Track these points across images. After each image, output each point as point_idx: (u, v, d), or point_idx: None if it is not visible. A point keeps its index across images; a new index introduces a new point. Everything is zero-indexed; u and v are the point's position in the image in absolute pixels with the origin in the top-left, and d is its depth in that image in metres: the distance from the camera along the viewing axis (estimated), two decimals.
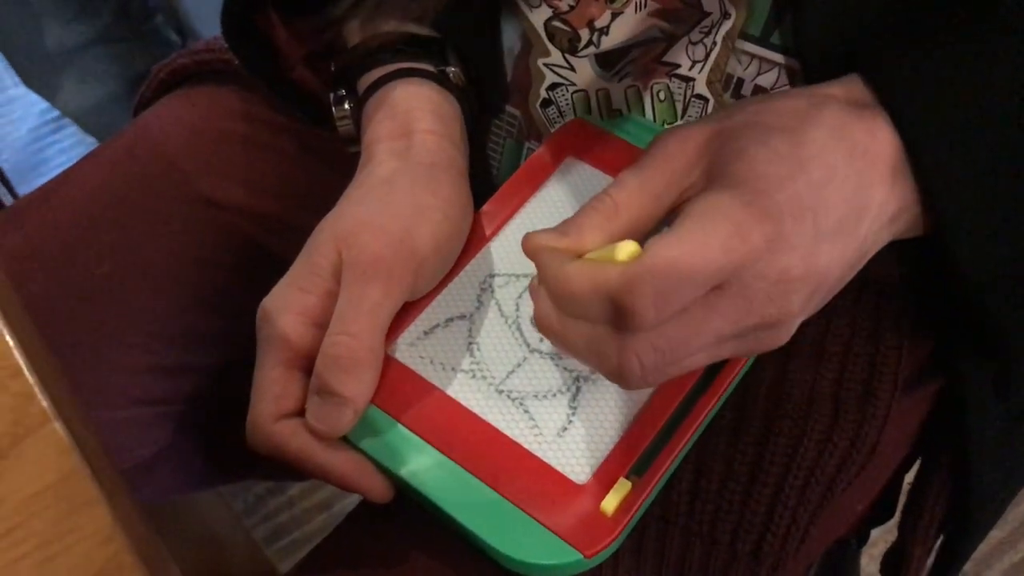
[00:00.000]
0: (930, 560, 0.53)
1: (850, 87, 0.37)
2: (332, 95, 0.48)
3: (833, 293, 0.37)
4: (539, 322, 0.37)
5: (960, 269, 0.37)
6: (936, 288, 0.43)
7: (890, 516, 0.53)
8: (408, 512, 0.41)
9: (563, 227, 0.37)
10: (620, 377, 0.34)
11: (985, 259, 0.37)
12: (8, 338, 0.29)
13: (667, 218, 0.38)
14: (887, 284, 0.44)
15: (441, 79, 0.47)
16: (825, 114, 0.35)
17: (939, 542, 0.52)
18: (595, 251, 0.36)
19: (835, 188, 0.34)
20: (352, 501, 0.40)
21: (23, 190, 1.29)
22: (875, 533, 0.55)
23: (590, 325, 0.34)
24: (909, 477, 0.51)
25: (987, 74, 0.36)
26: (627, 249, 0.34)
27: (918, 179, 0.36)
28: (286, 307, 0.40)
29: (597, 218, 0.36)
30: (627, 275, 0.32)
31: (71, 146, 1.50)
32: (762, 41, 0.43)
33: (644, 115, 0.48)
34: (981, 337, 0.42)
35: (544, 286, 0.36)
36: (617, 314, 0.32)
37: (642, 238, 0.37)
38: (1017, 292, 0.38)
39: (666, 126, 0.47)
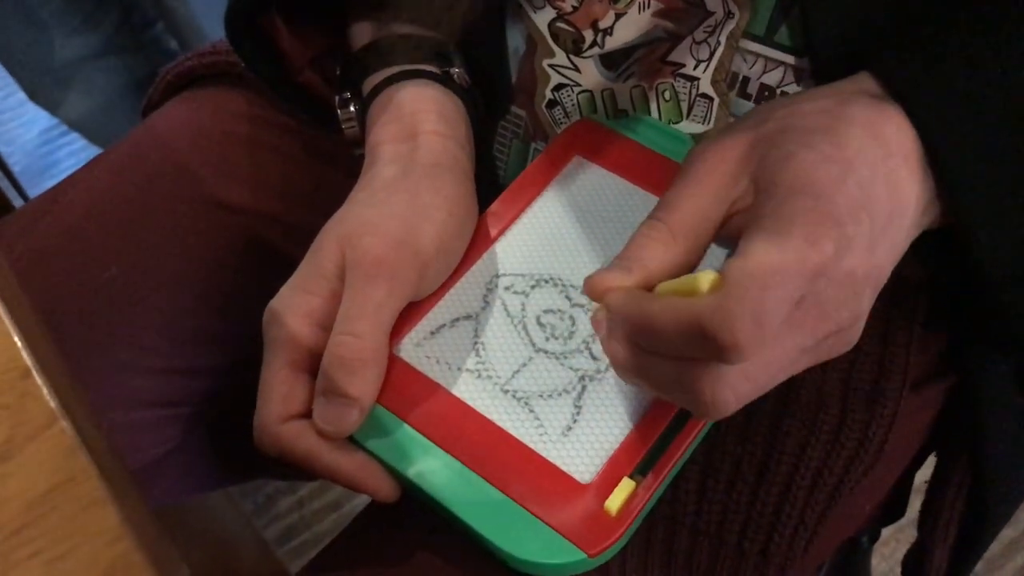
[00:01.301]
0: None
1: (864, 83, 0.37)
2: (337, 98, 0.48)
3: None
4: (614, 363, 0.36)
5: (979, 264, 0.37)
6: (951, 285, 0.42)
7: (901, 514, 0.53)
8: (418, 512, 0.41)
9: (624, 262, 0.36)
10: (712, 411, 0.33)
11: (1004, 254, 0.37)
12: (16, 339, 0.29)
13: (720, 233, 0.37)
14: (897, 283, 0.44)
15: (445, 80, 0.47)
16: (855, 111, 0.35)
17: (956, 535, 0.53)
18: (667, 283, 0.35)
19: (880, 185, 0.34)
20: (362, 501, 0.41)
21: (34, 193, 1.29)
22: (886, 531, 0.54)
23: (675, 362, 0.33)
24: (925, 476, 0.51)
25: (1000, 67, 0.35)
26: (710, 280, 0.32)
27: (935, 173, 0.36)
28: (292, 309, 0.40)
29: (656, 248, 0.36)
30: (722, 309, 0.31)
31: (81, 148, 1.51)
32: (766, 40, 0.43)
33: (650, 115, 0.48)
34: (998, 334, 0.42)
35: (625, 327, 0.34)
36: (713, 349, 0.31)
37: (701, 258, 0.37)
38: None
39: (672, 125, 0.47)
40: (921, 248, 0.39)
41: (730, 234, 0.36)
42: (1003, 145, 0.36)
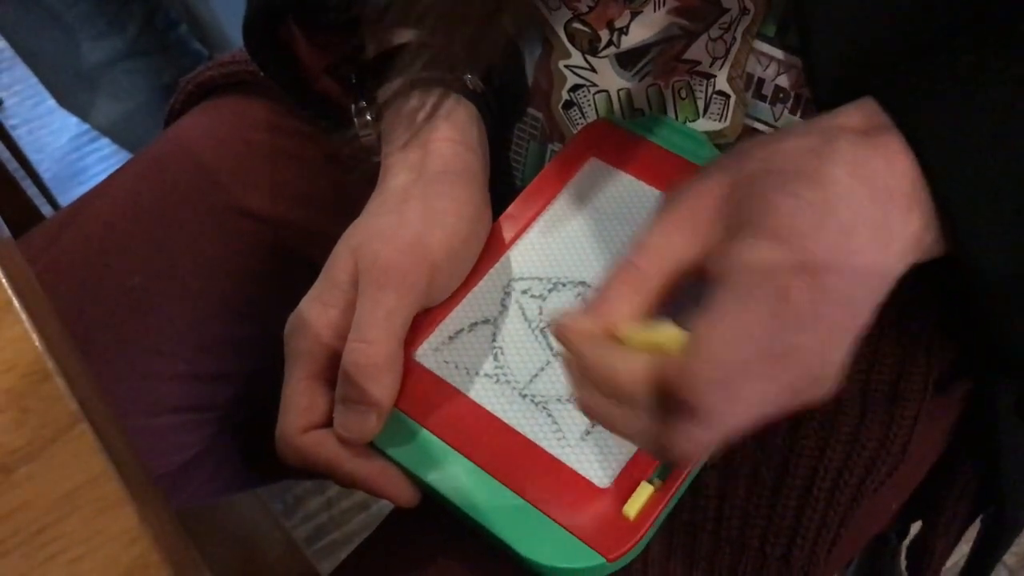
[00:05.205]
0: (964, 551, 0.52)
1: (856, 114, 0.36)
2: (353, 107, 0.49)
3: None
4: (581, 406, 0.35)
5: (982, 294, 0.36)
6: (955, 307, 0.42)
7: (933, 511, 0.52)
8: (443, 515, 0.41)
9: (592, 304, 0.35)
10: (675, 461, 0.33)
11: (1008, 284, 0.36)
12: (37, 343, 0.29)
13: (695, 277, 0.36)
14: (915, 282, 0.44)
15: (458, 86, 0.47)
16: (840, 149, 0.34)
17: (976, 534, 0.52)
18: (631, 331, 0.34)
19: (863, 227, 0.33)
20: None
21: (64, 199, 1.31)
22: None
23: (639, 412, 0.33)
24: None
25: (1004, 95, 0.34)
26: (672, 337, 0.32)
27: (937, 203, 0.35)
28: (310, 322, 0.41)
29: (626, 291, 0.35)
30: (688, 372, 0.30)
31: (110, 154, 1.53)
32: (776, 41, 0.42)
33: (666, 114, 0.47)
34: (999, 360, 0.41)
35: (590, 376, 0.34)
36: (681, 409, 0.31)
37: (671, 301, 0.36)
38: None
39: (688, 124, 0.47)
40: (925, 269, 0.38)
41: (706, 277, 0.35)
42: (1007, 175, 0.34)
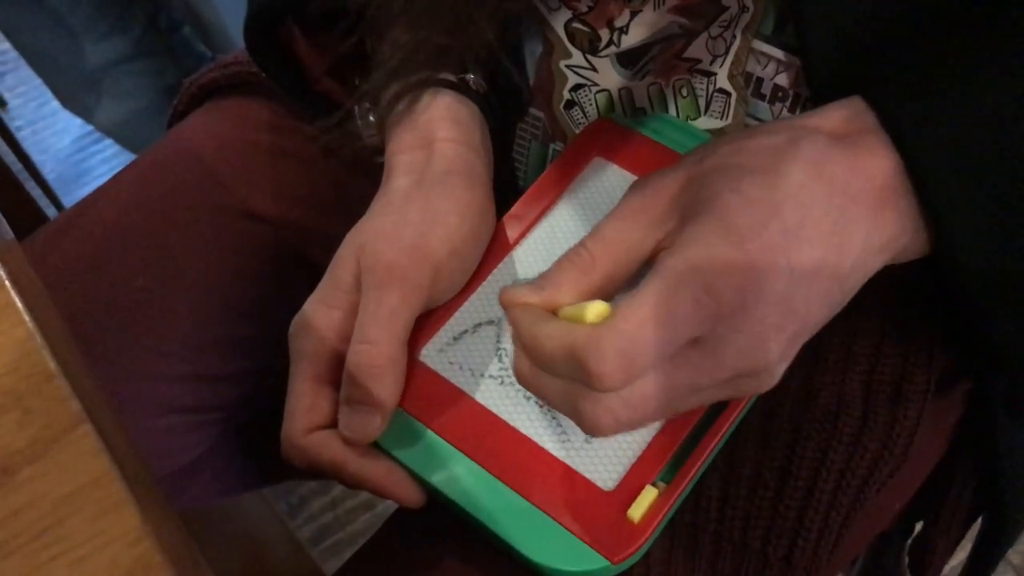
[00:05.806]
0: (967, 549, 0.52)
1: (835, 115, 0.36)
2: (357, 108, 0.49)
3: (818, 329, 0.36)
4: (516, 374, 0.37)
5: (967, 291, 0.36)
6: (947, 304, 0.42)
7: (935, 510, 0.52)
8: (447, 516, 0.41)
9: (540, 281, 0.36)
10: (592, 431, 0.34)
11: (992, 282, 0.36)
12: (40, 344, 0.30)
13: (644, 269, 0.37)
14: (917, 282, 0.44)
15: (461, 87, 0.47)
16: (803, 149, 0.34)
17: (978, 532, 0.52)
18: (568, 308, 0.36)
19: (812, 228, 0.33)
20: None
21: (68, 201, 1.32)
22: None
23: (562, 381, 0.34)
24: None
25: (993, 97, 0.34)
26: (596, 309, 0.33)
27: (922, 201, 0.35)
28: (314, 323, 0.41)
29: (573, 273, 0.36)
30: (593, 338, 0.32)
31: (114, 155, 1.53)
32: (774, 40, 0.42)
33: (668, 112, 0.47)
34: (989, 354, 0.41)
35: (521, 342, 0.36)
36: (584, 375, 0.32)
37: (618, 290, 0.37)
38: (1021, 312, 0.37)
39: (690, 122, 0.47)
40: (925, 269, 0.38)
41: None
42: (995, 176, 0.34)
